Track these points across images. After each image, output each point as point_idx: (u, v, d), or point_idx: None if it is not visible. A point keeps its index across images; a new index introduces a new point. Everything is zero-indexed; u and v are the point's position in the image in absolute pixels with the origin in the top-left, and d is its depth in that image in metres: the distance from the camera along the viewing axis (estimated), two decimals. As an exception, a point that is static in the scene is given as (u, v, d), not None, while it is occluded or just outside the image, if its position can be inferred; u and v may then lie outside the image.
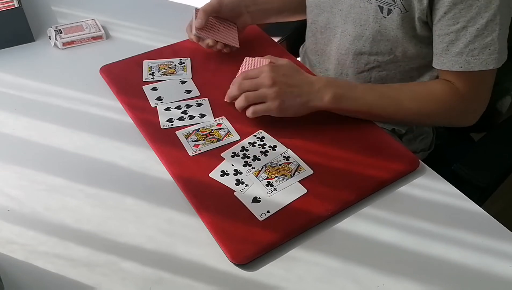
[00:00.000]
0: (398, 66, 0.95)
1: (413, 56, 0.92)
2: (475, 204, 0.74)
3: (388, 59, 0.93)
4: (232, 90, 0.84)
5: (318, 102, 0.82)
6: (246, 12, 1.01)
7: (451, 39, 0.82)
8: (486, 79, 0.85)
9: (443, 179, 0.78)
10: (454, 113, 0.88)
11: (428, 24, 0.86)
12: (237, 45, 0.98)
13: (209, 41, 0.95)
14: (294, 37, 1.27)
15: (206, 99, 0.90)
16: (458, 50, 0.82)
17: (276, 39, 1.17)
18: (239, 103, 0.83)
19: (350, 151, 0.80)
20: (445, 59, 0.84)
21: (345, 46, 0.97)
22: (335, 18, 0.96)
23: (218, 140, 0.82)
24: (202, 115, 0.86)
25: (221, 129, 0.84)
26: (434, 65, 0.87)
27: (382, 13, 0.87)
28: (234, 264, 0.66)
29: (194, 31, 0.94)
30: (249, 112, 0.82)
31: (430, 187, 0.77)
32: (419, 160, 0.80)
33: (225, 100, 0.87)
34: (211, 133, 0.83)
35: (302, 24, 1.10)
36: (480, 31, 0.79)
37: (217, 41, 0.96)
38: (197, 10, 0.97)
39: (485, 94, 0.87)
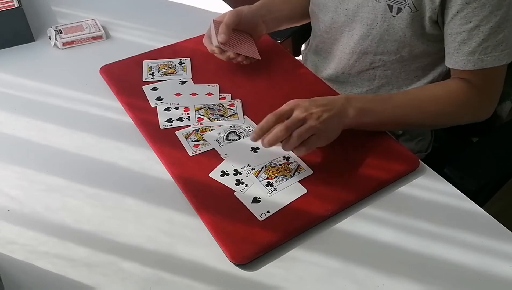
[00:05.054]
0: (404, 66, 0.95)
1: (419, 55, 0.92)
2: (475, 204, 0.74)
3: (394, 58, 0.94)
4: (280, 133, 0.73)
5: (345, 119, 0.77)
6: (262, 21, 1.00)
7: (463, 38, 0.82)
8: (499, 73, 0.85)
9: (443, 179, 0.78)
10: (470, 109, 0.87)
11: (438, 23, 0.85)
12: (259, 57, 0.94)
13: (230, 54, 0.92)
14: (295, 37, 1.27)
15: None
16: (471, 49, 0.81)
17: (277, 41, 1.17)
18: (291, 144, 0.74)
19: (350, 151, 0.80)
20: (457, 58, 0.84)
21: (350, 46, 0.97)
22: (339, 18, 0.96)
23: (218, 140, 0.82)
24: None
25: (221, 129, 0.84)
26: (446, 64, 0.87)
27: (392, 12, 0.87)
28: (234, 264, 0.66)
29: (215, 43, 0.91)
30: (302, 151, 0.75)
31: (430, 187, 0.77)
32: (419, 160, 0.80)
33: (268, 145, 0.74)
34: (211, 133, 0.83)
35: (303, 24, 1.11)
36: (493, 29, 0.79)
37: (238, 54, 0.92)
38: (215, 22, 0.93)
39: (499, 87, 0.87)
